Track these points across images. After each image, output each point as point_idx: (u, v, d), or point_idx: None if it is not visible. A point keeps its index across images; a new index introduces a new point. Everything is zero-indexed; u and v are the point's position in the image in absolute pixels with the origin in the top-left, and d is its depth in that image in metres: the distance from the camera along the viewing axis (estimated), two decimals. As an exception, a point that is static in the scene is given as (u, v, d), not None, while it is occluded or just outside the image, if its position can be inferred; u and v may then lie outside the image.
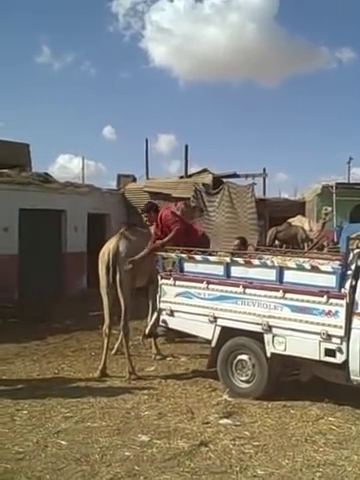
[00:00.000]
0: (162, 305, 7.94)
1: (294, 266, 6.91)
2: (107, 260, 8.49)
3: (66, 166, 39.05)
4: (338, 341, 6.39)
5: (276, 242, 16.85)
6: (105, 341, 8.50)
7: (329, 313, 6.45)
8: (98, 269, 8.76)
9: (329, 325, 6.43)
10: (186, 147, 19.30)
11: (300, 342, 6.67)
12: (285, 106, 51.28)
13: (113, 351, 9.13)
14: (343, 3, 46.04)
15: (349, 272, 6.51)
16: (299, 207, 20.57)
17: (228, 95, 51.25)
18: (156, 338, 9.24)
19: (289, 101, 50.87)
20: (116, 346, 9.24)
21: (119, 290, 8.37)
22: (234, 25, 44.87)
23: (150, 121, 46.80)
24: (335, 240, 15.70)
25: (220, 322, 7.33)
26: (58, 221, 15.73)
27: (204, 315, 7.43)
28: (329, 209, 16.53)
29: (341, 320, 6.36)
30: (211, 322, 7.37)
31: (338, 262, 6.66)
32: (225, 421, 6.12)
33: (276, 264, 7.02)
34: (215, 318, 7.33)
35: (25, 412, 6.42)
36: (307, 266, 6.82)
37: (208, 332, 7.47)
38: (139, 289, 8.85)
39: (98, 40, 47.40)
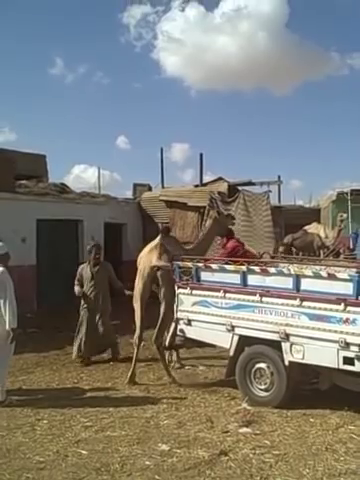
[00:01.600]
0: (179, 314, 7.96)
1: (311, 274, 6.90)
2: (146, 274, 8.43)
3: (81, 176, 39.39)
4: (356, 349, 6.35)
5: (292, 249, 16.82)
6: (135, 351, 8.58)
7: (347, 321, 6.42)
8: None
9: (347, 333, 6.40)
10: (201, 156, 19.39)
11: (318, 350, 6.65)
12: (298, 113, 51.33)
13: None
14: (353, 8, 45.96)
15: (366, 279, 6.50)
16: (314, 214, 20.54)
17: (241, 103, 51.42)
18: (177, 349, 9.21)
19: (302, 108, 50.89)
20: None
21: (162, 303, 8.39)
22: (245, 33, 45.09)
23: (163, 130, 47.18)
24: (351, 247, 15.65)
25: (238, 331, 7.33)
26: (75, 231, 15.85)
27: (221, 324, 7.43)
28: (344, 216, 16.48)
29: (359, 328, 6.35)
30: (229, 331, 7.38)
31: (355, 269, 6.65)
32: (245, 430, 6.11)
33: (293, 272, 7.02)
34: (233, 327, 7.34)
35: (45, 422, 6.48)
36: (324, 274, 6.81)
37: (226, 341, 7.48)
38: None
39: (110, 51, 47.90)
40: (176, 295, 7.99)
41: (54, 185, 16.49)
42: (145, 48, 50.82)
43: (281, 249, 15.69)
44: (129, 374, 8.42)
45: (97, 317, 9.90)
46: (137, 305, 8.54)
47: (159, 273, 8.34)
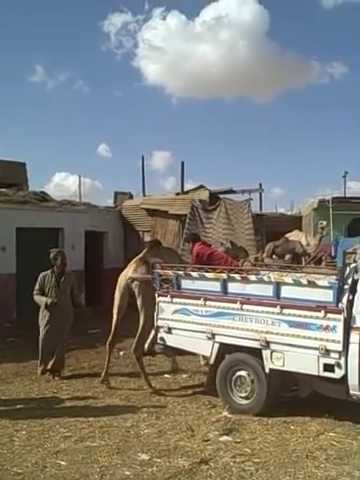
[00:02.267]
0: (159, 322, 7.93)
1: (291, 281, 6.92)
2: (122, 286, 8.76)
3: (62, 184, 39.23)
4: (336, 356, 6.39)
5: (274, 257, 16.86)
6: (107, 356, 8.88)
7: (327, 328, 6.46)
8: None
9: (327, 340, 6.44)
10: (182, 164, 19.38)
11: (298, 357, 6.67)
12: (279, 121, 51.67)
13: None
14: (333, 18, 46.49)
15: (346, 287, 6.54)
16: (296, 222, 20.62)
17: (222, 111, 51.68)
18: (154, 355, 9.22)
19: (283, 116, 51.26)
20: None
21: (141, 314, 8.52)
22: (226, 42, 45.36)
23: (145, 138, 47.17)
24: (332, 254, 15.73)
25: (218, 338, 7.32)
26: (55, 239, 15.73)
27: (202, 332, 7.42)
28: (324, 223, 16.58)
29: (339, 335, 6.37)
30: (209, 339, 7.37)
31: (335, 277, 6.69)
32: (225, 438, 6.09)
33: (273, 280, 7.04)
34: (213, 335, 7.33)
35: (24, 432, 6.38)
36: (304, 281, 6.83)
37: (206, 349, 7.47)
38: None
39: (91, 59, 47.93)
40: (156, 303, 7.97)
41: (34, 193, 16.38)
42: (126, 56, 51.01)
43: (289, 257, 15.74)
44: (103, 373, 8.71)
45: (56, 332, 9.36)
46: (114, 313, 8.83)
47: (134, 284, 8.54)
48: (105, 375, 8.78)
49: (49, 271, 9.57)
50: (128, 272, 8.72)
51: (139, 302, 8.55)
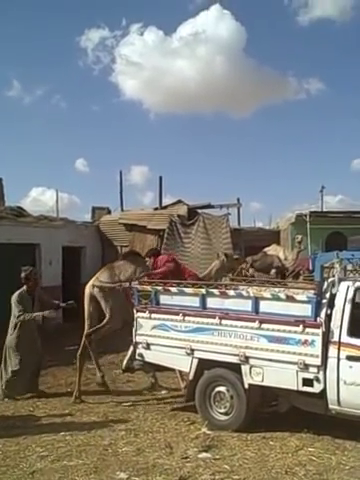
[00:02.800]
0: (138, 338, 7.86)
1: (269, 296, 6.92)
2: (86, 294, 9.11)
3: (39, 199, 38.90)
4: (315, 370, 6.39)
5: (251, 271, 16.90)
6: (78, 365, 9.08)
7: (305, 342, 6.46)
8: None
9: (306, 354, 6.44)
10: (160, 178, 19.47)
11: (277, 372, 6.65)
12: (257, 136, 52.18)
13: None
14: (308, 34, 47.25)
15: (324, 301, 6.56)
16: (274, 236, 20.76)
17: (200, 126, 51.98)
18: (133, 372, 9.14)
19: (260, 131, 51.75)
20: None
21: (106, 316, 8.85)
22: (203, 58, 45.73)
23: (123, 153, 47.26)
24: (310, 268, 15.82)
25: (197, 354, 7.28)
26: (32, 255, 15.59)
27: (181, 347, 7.37)
28: (299, 237, 16.74)
29: (317, 349, 6.37)
30: (188, 354, 7.32)
31: (313, 291, 6.71)
32: (204, 455, 6.03)
33: (252, 294, 7.03)
34: (192, 350, 7.28)
35: (-1, 452, 6.26)
36: (282, 296, 6.84)
37: (185, 364, 7.41)
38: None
39: (68, 74, 47.86)
40: (135, 319, 7.91)
41: (10, 209, 16.22)
42: (103, 71, 51.09)
43: (273, 272, 15.73)
44: (75, 390, 8.83)
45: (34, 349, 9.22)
46: (85, 324, 9.11)
47: (95, 290, 8.99)
48: (77, 391, 8.78)
49: (22, 289, 9.26)
50: (91, 280, 9.14)
51: (103, 307, 8.93)
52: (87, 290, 9.14)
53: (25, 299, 9.16)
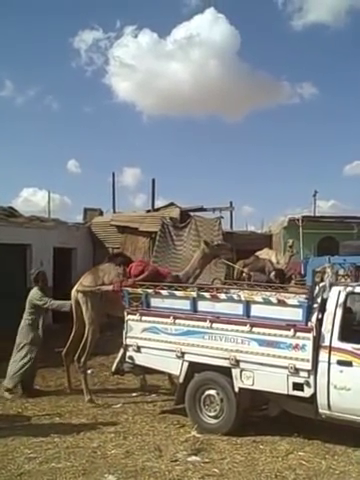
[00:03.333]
0: (128, 341, 7.83)
1: (261, 300, 6.92)
2: (72, 299, 9.17)
3: (30, 199, 38.81)
4: (306, 375, 6.39)
5: (244, 275, 16.89)
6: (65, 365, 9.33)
7: (296, 347, 6.46)
8: None
9: (296, 359, 6.44)
10: (153, 181, 19.41)
11: (268, 376, 6.65)
12: (250, 140, 52.01)
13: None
14: (302, 39, 47.32)
15: (315, 305, 6.57)
16: (266, 240, 20.75)
17: (193, 129, 51.82)
18: (123, 375, 9.12)
19: (253, 135, 51.56)
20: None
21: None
22: (197, 61, 45.58)
23: (115, 155, 47.06)
24: (302, 272, 15.84)
25: (187, 357, 7.26)
26: (23, 256, 15.52)
27: (171, 350, 7.35)
28: (290, 241, 16.76)
29: (308, 353, 6.38)
30: (178, 357, 7.30)
31: (304, 295, 6.71)
32: (194, 458, 6.01)
33: (243, 298, 7.03)
34: (182, 353, 7.26)
35: (-13, 454, 6.21)
36: (274, 300, 6.84)
37: (175, 368, 7.39)
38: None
39: (60, 75, 47.48)
40: (125, 321, 7.88)
41: (2, 209, 16.14)
42: (96, 73, 50.79)
43: (273, 274, 15.71)
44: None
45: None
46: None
47: (79, 295, 9.09)
48: (69, 386, 9.20)
49: (36, 288, 9.51)
50: (77, 284, 9.28)
51: (83, 312, 9.02)
52: (73, 294, 9.23)
53: (44, 294, 9.44)
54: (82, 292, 9.08)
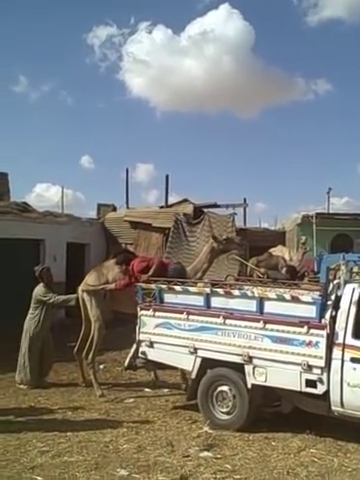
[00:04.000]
0: (141, 336, 7.84)
1: (274, 297, 6.89)
2: (79, 297, 9.35)
3: (43, 195, 38.96)
4: (319, 372, 6.36)
5: (257, 274, 16.83)
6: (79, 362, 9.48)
7: (310, 344, 6.43)
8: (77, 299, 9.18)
9: (310, 356, 6.41)
10: (167, 177, 19.42)
11: (281, 373, 6.62)
12: (263, 136, 52.06)
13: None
14: (317, 35, 47.10)
15: (329, 302, 6.53)
16: (279, 237, 20.69)
17: (206, 125, 51.90)
18: (136, 370, 9.14)
19: (267, 131, 51.63)
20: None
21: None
22: (211, 57, 45.58)
23: (128, 151, 47.22)
24: (315, 269, 15.76)
25: (200, 353, 7.25)
26: (37, 251, 15.58)
27: (184, 346, 7.35)
28: (304, 238, 16.68)
29: (321, 351, 6.35)
30: (191, 353, 7.29)
31: (318, 293, 6.67)
32: (206, 454, 6.00)
33: (256, 295, 7.01)
34: (195, 349, 7.26)
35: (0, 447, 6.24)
36: (287, 297, 6.81)
37: (188, 363, 7.39)
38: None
39: (74, 71, 47.85)
40: (138, 317, 7.90)
41: (16, 204, 16.19)
42: (110, 69, 51.01)
43: (284, 271, 15.64)
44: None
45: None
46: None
47: (84, 294, 9.25)
48: (83, 381, 9.36)
49: (41, 284, 9.68)
50: (82, 283, 9.43)
51: (88, 310, 9.18)
52: (79, 293, 9.38)
53: (49, 290, 9.61)
54: (86, 291, 9.23)
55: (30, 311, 9.59)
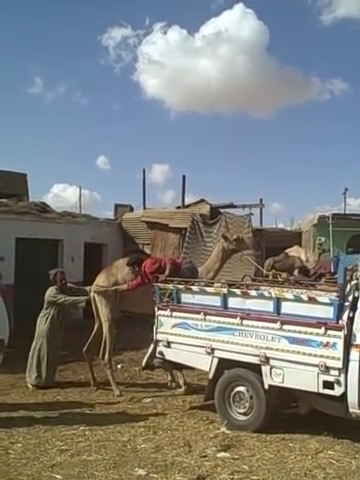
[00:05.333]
0: (159, 336, 7.89)
1: (291, 297, 6.90)
2: (91, 296, 9.53)
3: (60, 195, 39.21)
4: (336, 373, 6.34)
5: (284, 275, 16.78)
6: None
7: (327, 345, 6.42)
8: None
9: (327, 357, 6.39)
10: (183, 177, 19.41)
11: (298, 374, 6.62)
12: (279, 136, 51.74)
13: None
14: (332, 34, 46.78)
15: (346, 303, 6.50)
16: (296, 237, 20.60)
17: (221, 126, 51.77)
18: (153, 370, 9.18)
19: (282, 131, 51.30)
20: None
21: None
22: (225, 57, 45.43)
23: (144, 151, 47.21)
24: (332, 270, 15.69)
25: (217, 353, 7.28)
26: (55, 251, 15.71)
27: (201, 346, 7.38)
28: (322, 239, 16.57)
29: (339, 352, 6.33)
30: (208, 353, 7.32)
31: (335, 293, 6.66)
32: (223, 454, 6.02)
33: (273, 295, 7.01)
34: (212, 349, 7.28)
35: (19, 445, 6.30)
36: (304, 297, 6.80)
37: (205, 364, 7.41)
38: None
39: (89, 72, 48.03)
40: (156, 317, 7.94)
41: (35, 204, 16.35)
42: (125, 70, 51.07)
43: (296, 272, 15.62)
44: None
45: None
46: None
47: (95, 295, 9.46)
48: (93, 382, 9.48)
49: (54, 287, 9.86)
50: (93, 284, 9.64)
51: (98, 310, 9.38)
52: (91, 294, 9.57)
53: (60, 292, 9.77)
54: (96, 291, 9.42)
55: (41, 312, 9.83)
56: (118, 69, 50.79)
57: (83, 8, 46.14)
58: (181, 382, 9.07)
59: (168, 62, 46.29)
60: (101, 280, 9.57)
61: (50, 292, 9.77)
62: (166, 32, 47.58)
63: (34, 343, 9.65)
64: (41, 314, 9.78)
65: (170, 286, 7.96)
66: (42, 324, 9.69)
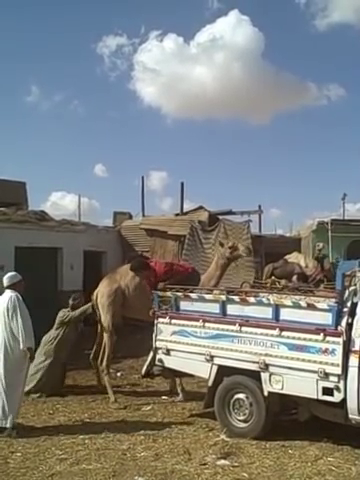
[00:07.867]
0: (158, 344, 7.90)
1: (290, 304, 6.90)
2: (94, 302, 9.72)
3: (59, 203, 39.08)
4: (335, 379, 6.34)
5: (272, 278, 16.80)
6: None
7: (326, 351, 6.42)
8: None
9: (326, 363, 6.39)
10: (182, 184, 19.41)
11: (297, 381, 6.62)
12: (276, 142, 51.48)
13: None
14: (326, 39, 46.83)
15: (345, 309, 6.50)
16: (295, 243, 20.61)
17: (218, 132, 51.50)
18: (153, 378, 9.17)
19: (280, 137, 51.08)
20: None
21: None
22: (221, 64, 45.40)
23: (141, 158, 47.08)
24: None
25: (216, 361, 7.28)
26: (54, 259, 15.71)
27: (200, 354, 7.38)
28: (321, 245, 16.61)
29: (338, 358, 6.33)
30: (207, 361, 7.32)
31: (334, 299, 6.67)
32: (223, 462, 6.01)
33: (272, 302, 7.02)
34: (211, 357, 7.28)
35: (19, 454, 6.31)
36: (303, 304, 6.81)
37: (205, 371, 7.41)
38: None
39: (85, 80, 47.83)
40: (155, 324, 7.95)
41: (34, 212, 16.34)
42: (121, 78, 50.96)
43: (295, 278, 15.62)
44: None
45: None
46: None
47: (97, 301, 9.63)
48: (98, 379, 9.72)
49: (66, 309, 10.11)
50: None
51: (99, 316, 9.56)
52: (93, 300, 9.75)
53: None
54: (99, 298, 9.61)
55: (51, 332, 9.96)
56: (113, 77, 50.79)
57: (78, 17, 46.13)
58: (179, 390, 9.06)
59: (164, 69, 46.35)
60: (104, 285, 9.70)
61: (62, 313, 9.99)
62: (162, 40, 47.63)
63: (40, 359, 9.57)
64: (52, 334, 9.87)
65: (169, 294, 7.96)
66: (49, 344, 9.76)
